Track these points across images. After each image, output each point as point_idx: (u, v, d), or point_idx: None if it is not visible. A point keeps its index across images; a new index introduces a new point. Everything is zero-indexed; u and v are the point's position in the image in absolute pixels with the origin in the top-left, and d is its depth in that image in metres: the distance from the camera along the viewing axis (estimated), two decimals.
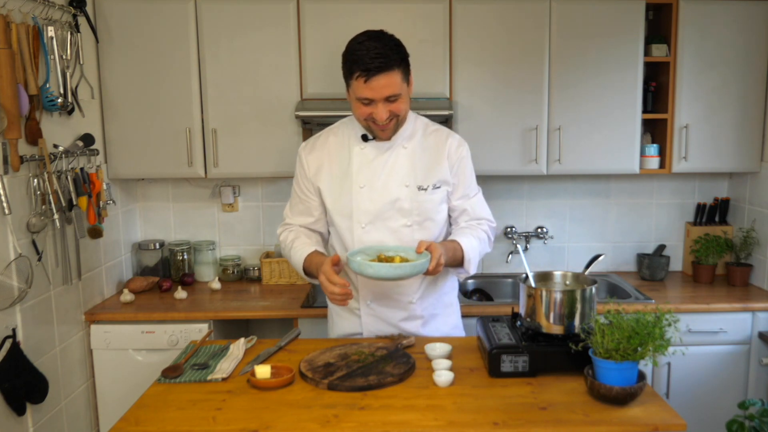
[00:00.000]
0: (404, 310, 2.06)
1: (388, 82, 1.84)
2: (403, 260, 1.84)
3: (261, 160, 2.91)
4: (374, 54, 1.81)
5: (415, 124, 2.07)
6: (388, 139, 1.99)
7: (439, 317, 2.13)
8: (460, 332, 2.20)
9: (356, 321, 2.10)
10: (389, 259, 1.86)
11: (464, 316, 2.26)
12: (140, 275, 3.13)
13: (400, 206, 2.00)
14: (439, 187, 2.02)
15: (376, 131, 1.95)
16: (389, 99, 1.87)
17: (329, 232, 2.17)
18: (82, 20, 2.61)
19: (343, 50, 1.90)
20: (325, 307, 2.53)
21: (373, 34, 1.87)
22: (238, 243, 3.32)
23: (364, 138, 2.02)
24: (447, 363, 1.76)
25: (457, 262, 1.97)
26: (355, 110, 1.94)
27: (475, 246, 2.01)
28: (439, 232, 2.07)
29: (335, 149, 2.06)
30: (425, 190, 2.01)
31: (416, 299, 2.06)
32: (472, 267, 2.01)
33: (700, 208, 3.24)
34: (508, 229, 3.28)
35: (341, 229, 2.04)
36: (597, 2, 2.84)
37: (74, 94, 2.57)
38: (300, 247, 2.03)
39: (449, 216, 2.11)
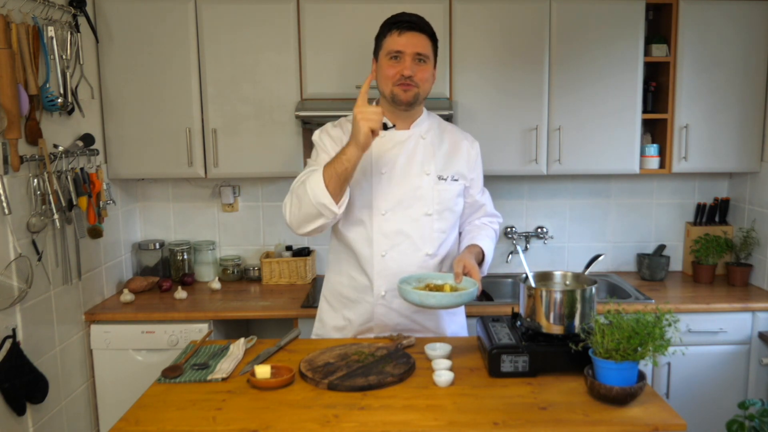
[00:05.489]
0: None
1: (419, 40, 1.95)
2: (453, 288, 1.90)
3: (261, 160, 2.91)
4: (412, 15, 1.97)
5: (430, 119, 2.13)
6: (408, 104, 1.99)
7: (452, 315, 2.15)
8: (464, 331, 2.21)
9: (369, 311, 2.08)
10: (438, 288, 1.91)
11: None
12: (140, 275, 3.13)
13: (421, 194, 2.03)
14: (456, 180, 2.07)
15: (399, 94, 1.96)
16: (418, 57, 1.94)
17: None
18: (82, 20, 2.62)
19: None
20: None
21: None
22: (238, 243, 3.32)
23: (384, 126, 2.04)
24: (447, 363, 1.76)
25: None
26: (383, 72, 1.98)
27: (491, 249, 2.11)
28: (454, 223, 2.11)
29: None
30: (445, 180, 2.05)
31: None
32: (486, 269, 2.10)
33: (700, 208, 3.24)
34: (508, 229, 3.28)
35: (360, 216, 2.04)
36: (597, 2, 2.84)
37: (74, 94, 2.57)
38: (315, 171, 1.87)
39: (463, 212, 2.16)
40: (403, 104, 1.99)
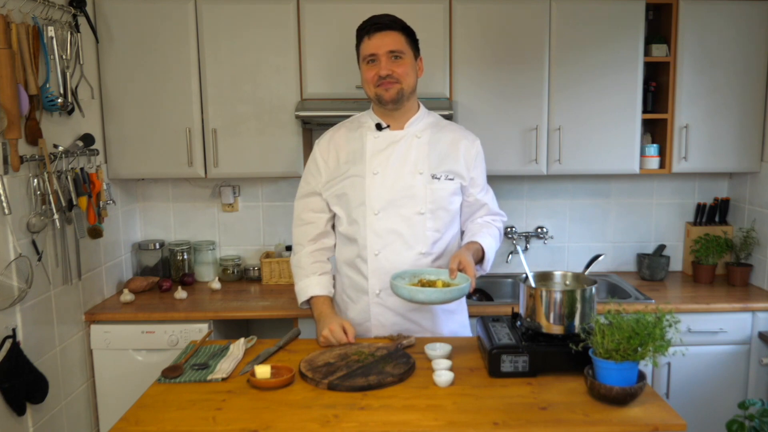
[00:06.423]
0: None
1: (390, 39, 1.98)
2: (446, 284, 1.89)
3: (261, 160, 2.91)
4: (380, 16, 2.02)
5: (428, 118, 2.13)
6: (393, 103, 2.01)
7: (449, 313, 2.14)
8: (467, 331, 2.20)
9: (365, 310, 2.10)
10: (431, 283, 1.91)
11: None
12: (140, 275, 3.13)
13: (413, 193, 2.03)
14: (452, 179, 2.07)
15: (382, 94, 1.99)
16: (393, 55, 1.97)
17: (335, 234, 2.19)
18: (82, 20, 2.61)
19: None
20: None
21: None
22: (238, 243, 3.32)
23: (378, 127, 2.06)
24: (447, 363, 1.76)
25: (477, 262, 2.03)
26: (364, 76, 2.02)
27: (493, 246, 2.10)
28: (450, 222, 2.10)
29: (349, 139, 2.10)
30: (438, 179, 2.05)
31: None
32: (488, 266, 2.09)
33: (700, 208, 3.24)
34: (508, 229, 3.28)
35: (355, 217, 2.05)
36: (597, 2, 2.84)
37: (74, 94, 2.57)
38: (310, 283, 2.12)
39: (464, 210, 2.16)
40: (389, 103, 2.01)
